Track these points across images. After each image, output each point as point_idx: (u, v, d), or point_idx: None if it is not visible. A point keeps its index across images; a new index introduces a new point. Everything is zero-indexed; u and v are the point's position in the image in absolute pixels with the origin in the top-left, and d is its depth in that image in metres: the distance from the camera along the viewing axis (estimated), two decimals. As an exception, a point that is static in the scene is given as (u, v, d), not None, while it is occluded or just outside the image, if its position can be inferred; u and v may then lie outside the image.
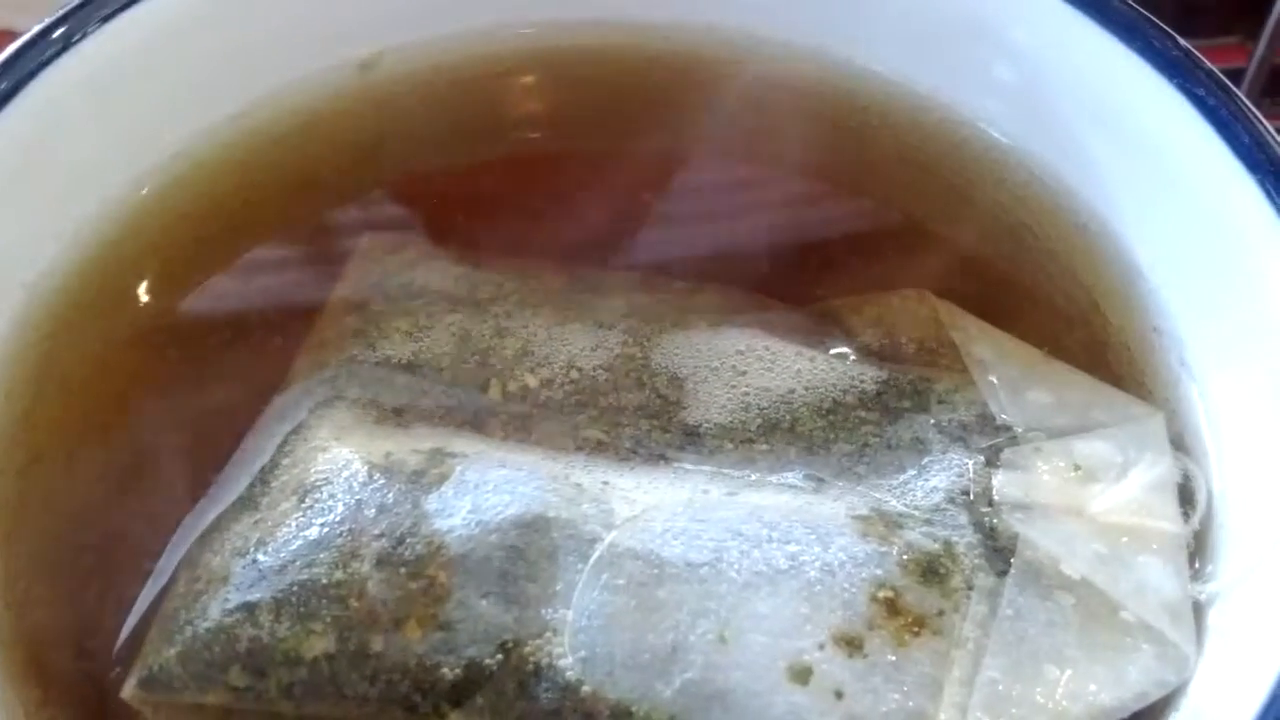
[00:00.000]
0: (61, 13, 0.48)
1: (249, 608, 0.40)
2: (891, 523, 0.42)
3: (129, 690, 0.40)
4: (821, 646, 0.39)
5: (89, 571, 0.45)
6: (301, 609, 0.39)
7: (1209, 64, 0.46)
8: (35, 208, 0.48)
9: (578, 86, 0.57)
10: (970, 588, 0.41)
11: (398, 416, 0.45)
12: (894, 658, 0.39)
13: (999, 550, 0.42)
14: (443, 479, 0.42)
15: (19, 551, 0.44)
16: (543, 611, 0.40)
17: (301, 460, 0.43)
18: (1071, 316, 0.50)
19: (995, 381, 0.46)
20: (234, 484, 0.44)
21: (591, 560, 0.40)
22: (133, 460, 0.47)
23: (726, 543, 0.41)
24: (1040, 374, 0.47)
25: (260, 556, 0.41)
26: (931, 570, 0.41)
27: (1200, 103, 0.45)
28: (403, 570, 0.40)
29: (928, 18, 0.53)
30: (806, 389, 0.46)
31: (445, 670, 0.39)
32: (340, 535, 0.41)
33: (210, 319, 0.51)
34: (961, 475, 0.43)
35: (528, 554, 0.40)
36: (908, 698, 0.39)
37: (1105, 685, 0.40)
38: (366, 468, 0.42)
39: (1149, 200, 0.48)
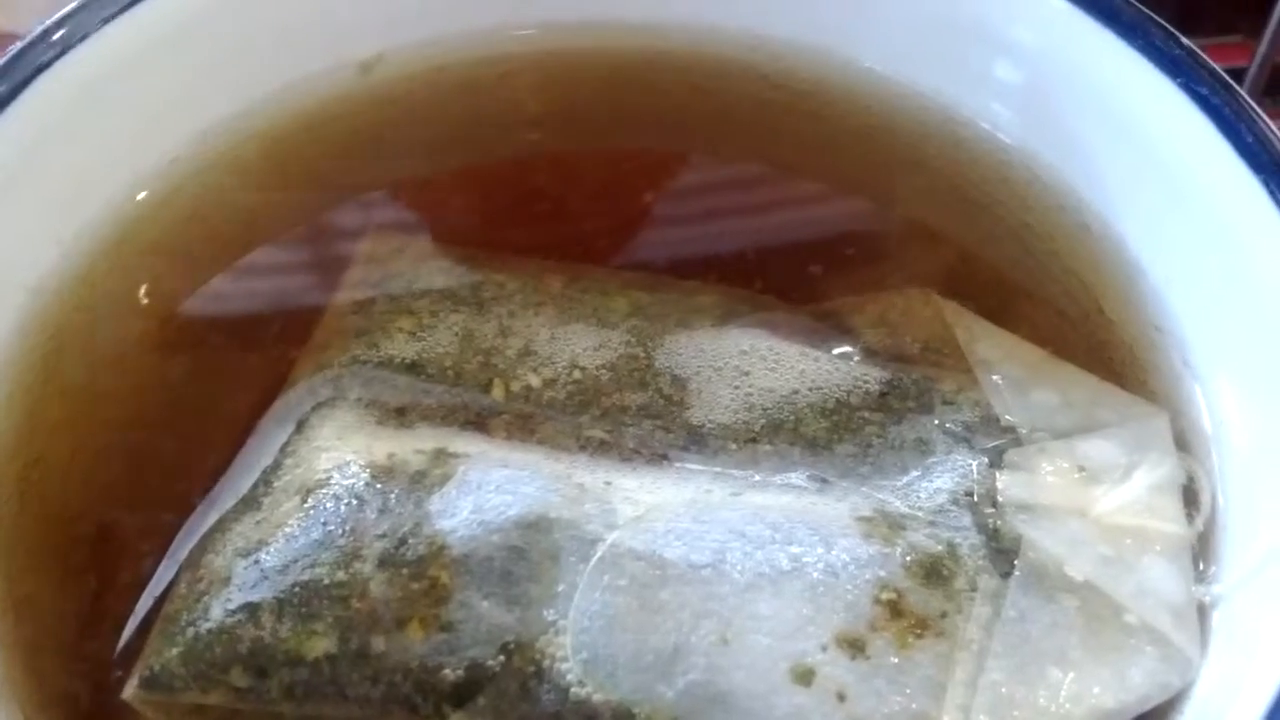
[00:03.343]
0: (60, 15, 0.48)
1: (251, 608, 0.40)
2: (895, 524, 0.42)
3: (130, 691, 0.40)
4: (824, 648, 0.39)
5: (89, 574, 0.45)
6: (303, 609, 0.39)
7: (1212, 63, 0.46)
8: (36, 211, 0.48)
9: (579, 87, 0.57)
10: (974, 589, 0.41)
11: (400, 416, 0.45)
12: (897, 660, 0.39)
13: (1003, 552, 0.42)
14: (445, 479, 0.42)
15: (19, 553, 0.44)
16: (545, 612, 0.39)
17: (304, 460, 0.43)
18: (1074, 316, 0.50)
19: (999, 381, 0.46)
20: (237, 484, 0.44)
21: (594, 561, 0.40)
22: (135, 462, 0.47)
23: (729, 543, 0.41)
24: (1044, 374, 0.47)
25: (262, 557, 0.41)
26: (935, 572, 0.41)
27: (1203, 102, 0.45)
28: (405, 571, 0.40)
29: (930, 17, 0.53)
30: (810, 389, 0.46)
31: (447, 671, 0.39)
32: (342, 536, 0.41)
33: (212, 321, 0.51)
34: (965, 476, 0.43)
35: (530, 554, 0.40)
36: (911, 700, 0.39)
37: (1108, 687, 0.40)
38: (369, 468, 0.42)
39: (1151, 200, 0.48)
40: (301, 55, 0.54)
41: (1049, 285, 0.51)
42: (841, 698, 0.38)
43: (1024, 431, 0.45)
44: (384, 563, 0.40)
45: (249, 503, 0.43)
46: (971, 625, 0.40)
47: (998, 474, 0.43)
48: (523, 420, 0.45)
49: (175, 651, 0.40)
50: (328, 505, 0.41)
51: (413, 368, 0.46)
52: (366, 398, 0.45)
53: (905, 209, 0.56)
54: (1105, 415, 0.46)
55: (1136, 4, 0.48)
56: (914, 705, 0.39)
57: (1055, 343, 0.49)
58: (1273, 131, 0.44)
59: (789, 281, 0.51)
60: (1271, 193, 0.43)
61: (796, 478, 0.44)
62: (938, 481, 0.43)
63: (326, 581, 0.40)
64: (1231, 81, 0.46)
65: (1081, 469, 0.44)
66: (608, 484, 0.43)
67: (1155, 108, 0.47)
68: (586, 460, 0.44)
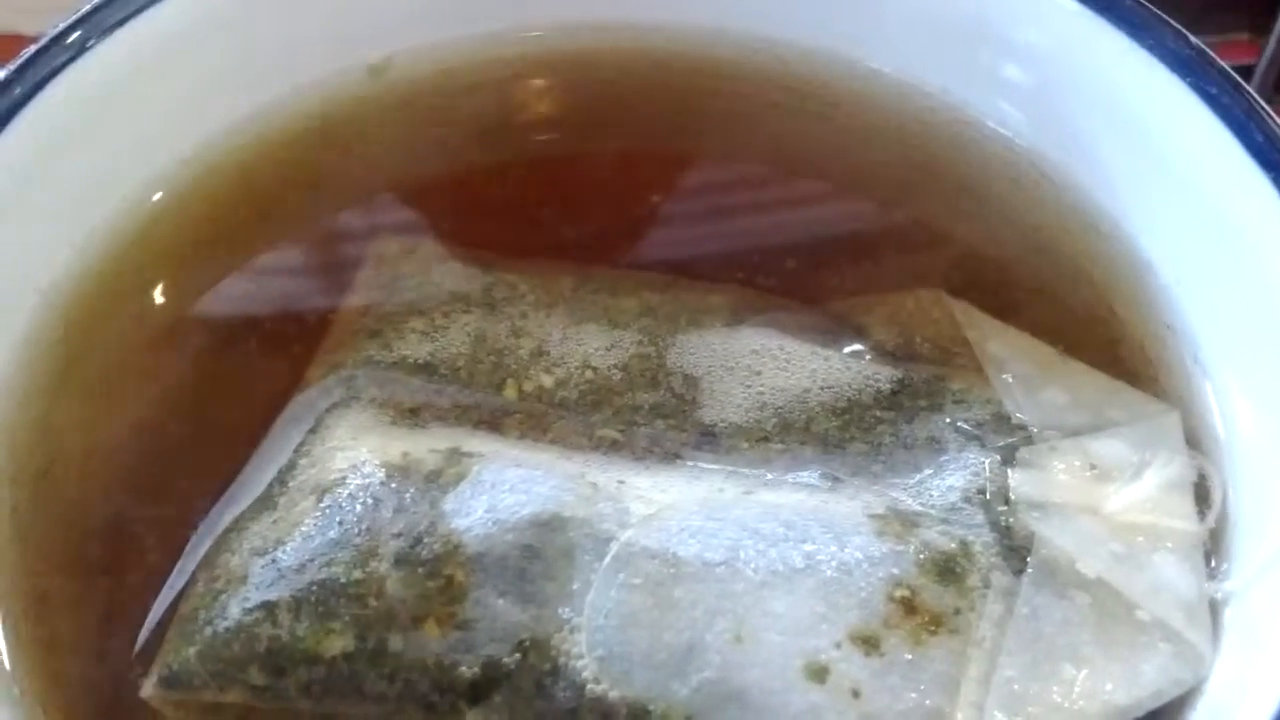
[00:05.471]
0: (74, 18, 0.48)
1: (268, 607, 0.40)
2: (908, 522, 0.42)
3: (149, 689, 0.41)
4: (838, 645, 0.39)
5: (106, 573, 0.45)
6: (320, 608, 0.40)
7: (1221, 62, 0.46)
8: (49, 213, 0.48)
9: (587, 89, 0.58)
10: (987, 586, 0.41)
11: (414, 416, 0.45)
12: (911, 657, 0.39)
13: (1015, 549, 0.42)
14: (459, 478, 0.42)
15: (36, 553, 0.44)
16: (560, 610, 0.40)
17: (319, 460, 0.43)
18: (1084, 316, 0.50)
19: (1010, 380, 0.46)
20: (252, 485, 0.44)
21: (608, 559, 0.40)
22: (150, 462, 0.47)
23: (742, 541, 0.41)
24: (1055, 372, 0.47)
25: (279, 556, 0.41)
26: (948, 569, 0.41)
27: (1213, 101, 0.45)
28: (421, 569, 0.40)
29: (937, 18, 0.53)
30: (822, 388, 0.46)
31: (463, 669, 0.39)
32: (358, 535, 0.41)
33: (225, 322, 0.52)
34: (977, 474, 0.43)
35: (544, 553, 0.40)
36: (924, 696, 0.39)
37: (1121, 684, 0.40)
38: (384, 467, 0.42)
39: (1161, 198, 0.48)
40: (312, 58, 0.54)
41: (1059, 285, 0.51)
42: (856, 694, 0.39)
43: (1035, 430, 0.45)
44: (400, 561, 0.40)
45: (265, 502, 0.43)
46: (985, 622, 0.40)
47: (1010, 472, 0.43)
48: (536, 420, 0.45)
49: (193, 650, 0.40)
50: (343, 504, 0.41)
51: (426, 368, 0.46)
52: (380, 398, 0.45)
53: (914, 210, 0.56)
54: (1116, 413, 0.46)
55: (1144, 3, 0.48)
56: (928, 702, 0.39)
57: (1066, 341, 0.49)
58: (1282, 129, 0.44)
59: (799, 281, 0.51)
60: (1281, 190, 0.43)
61: (809, 476, 0.44)
62: (950, 479, 0.43)
63: (343, 580, 0.40)
64: (1241, 81, 0.46)
65: (1093, 467, 0.44)
66: (621, 483, 0.43)
67: (1164, 107, 0.47)
68: (600, 459, 0.44)
